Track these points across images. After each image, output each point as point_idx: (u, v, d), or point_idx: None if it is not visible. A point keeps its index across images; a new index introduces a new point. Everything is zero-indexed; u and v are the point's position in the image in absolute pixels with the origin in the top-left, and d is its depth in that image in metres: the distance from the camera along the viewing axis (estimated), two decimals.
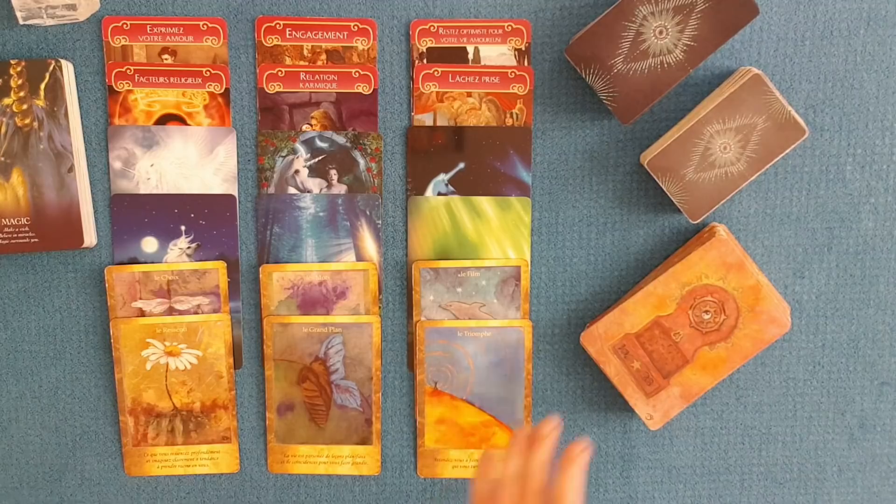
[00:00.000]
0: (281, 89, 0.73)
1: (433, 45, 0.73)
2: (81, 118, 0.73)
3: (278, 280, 0.74)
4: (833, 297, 0.75)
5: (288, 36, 0.73)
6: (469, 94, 0.73)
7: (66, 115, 0.71)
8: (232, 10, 0.73)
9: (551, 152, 0.74)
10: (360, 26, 0.73)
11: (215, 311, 0.74)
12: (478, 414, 0.75)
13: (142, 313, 0.74)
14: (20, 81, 0.71)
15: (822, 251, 0.75)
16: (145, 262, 0.74)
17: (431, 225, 0.74)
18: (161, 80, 0.73)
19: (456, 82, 0.73)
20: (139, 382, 0.75)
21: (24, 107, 0.71)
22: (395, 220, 0.75)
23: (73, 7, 0.71)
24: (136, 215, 0.74)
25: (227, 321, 0.74)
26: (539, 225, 0.75)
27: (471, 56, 0.73)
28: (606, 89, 0.70)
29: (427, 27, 0.73)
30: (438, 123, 0.74)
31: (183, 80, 0.73)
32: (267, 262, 0.75)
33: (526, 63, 0.73)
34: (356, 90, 0.73)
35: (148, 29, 0.72)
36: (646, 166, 0.70)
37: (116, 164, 0.74)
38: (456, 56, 0.73)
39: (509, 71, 0.73)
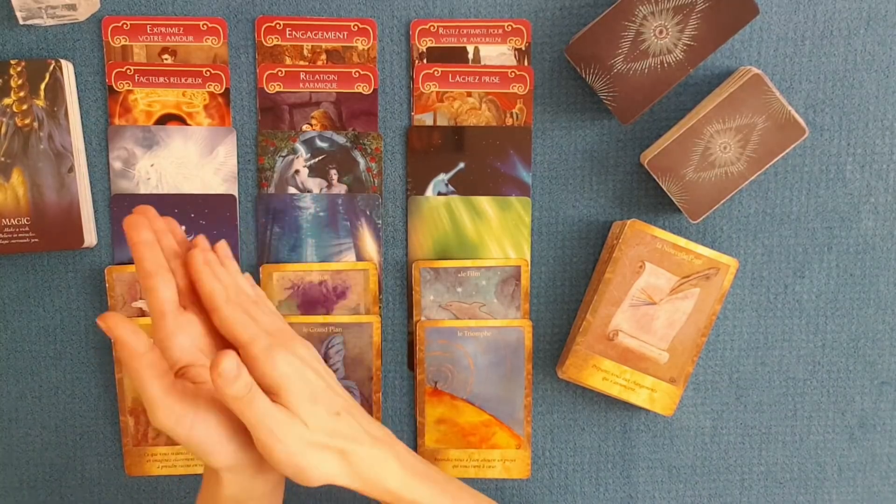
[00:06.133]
0: (281, 89, 0.73)
1: (433, 44, 0.73)
2: (81, 118, 0.73)
3: (278, 280, 0.74)
4: (833, 297, 0.75)
5: (288, 36, 0.73)
6: (469, 94, 0.73)
7: (66, 115, 0.71)
8: (232, 10, 0.73)
9: (551, 152, 0.74)
10: (360, 26, 0.73)
11: None
12: (478, 414, 0.75)
13: (142, 313, 0.74)
14: (20, 81, 0.71)
15: (822, 251, 0.75)
16: None
17: (431, 225, 0.74)
18: (161, 80, 0.73)
19: (456, 82, 0.73)
20: None
21: (24, 107, 0.71)
22: (395, 220, 0.75)
23: (73, 7, 0.71)
24: None
25: None
26: (539, 225, 0.75)
27: (471, 56, 0.73)
28: (606, 89, 0.70)
29: (427, 27, 0.73)
30: (438, 123, 0.74)
31: (183, 80, 0.73)
32: (267, 262, 0.75)
33: (526, 63, 0.73)
34: (356, 90, 0.73)
35: (148, 29, 0.72)
36: (646, 166, 0.70)
37: (116, 164, 0.74)
38: (456, 56, 0.73)
39: (509, 71, 0.73)
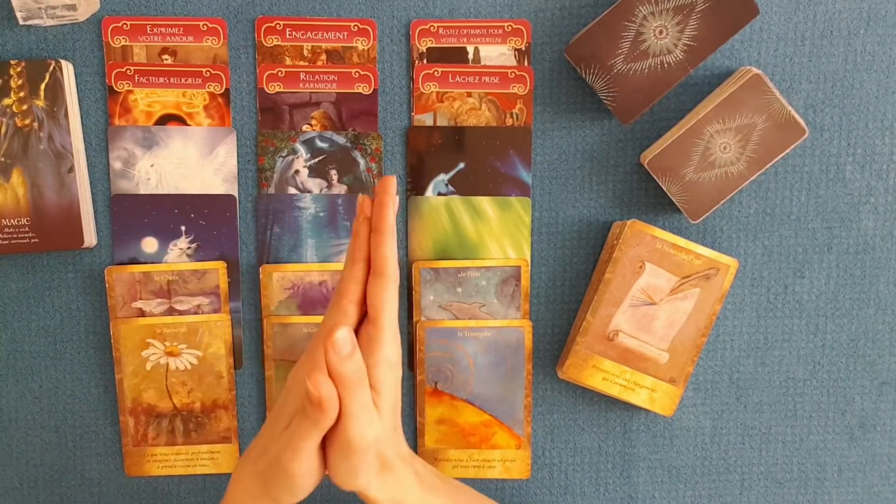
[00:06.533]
0: (281, 89, 0.73)
1: (433, 45, 0.73)
2: (81, 118, 0.73)
3: (278, 280, 0.74)
4: (833, 297, 0.75)
5: (288, 36, 0.73)
6: (469, 94, 0.73)
7: (66, 115, 0.71)
8: (232, 10, 0.73)
9: (551, 152, 0.74)
10: (360, 26, 0.73)
11: (215, 311, 0.74)
12: (478, 414, 0.75)
13: (142, 313, 0.74)
14: (20, 82, 0.71)
15: (822, 251, 0.75)
16: (145, 263, 0.74)
17: (431, 225, 0.74)
18: (161, 80, 0.73)
19: (456, 82, 0.73)
20: (139, 383, 0.75)
21: (24, 107, 0.71)
22: (396, 220, 0.75)
23: (73, 7, 0.71)
24: (136, 215, 0.74)
25: (227, 321, 0.74)
26: (539, 225, 0.75)
27: (471, 56, 0.73)
28: (606, 89, 0.70)
29: (427, 27, 0.73)
30: (438, 123, 0.74)
31: (183, 80, 0.73)
32: (267, 262, 0.75)
33: (526, 63, 0.73)
34: (356, 90, 0.73)
35: (148, 29, 0.72)
36: (646, 166, 0.70)
37: (116, 165, 0.74)
38: (456, 56, 0.73)
39: (509, 71, 0.73)
